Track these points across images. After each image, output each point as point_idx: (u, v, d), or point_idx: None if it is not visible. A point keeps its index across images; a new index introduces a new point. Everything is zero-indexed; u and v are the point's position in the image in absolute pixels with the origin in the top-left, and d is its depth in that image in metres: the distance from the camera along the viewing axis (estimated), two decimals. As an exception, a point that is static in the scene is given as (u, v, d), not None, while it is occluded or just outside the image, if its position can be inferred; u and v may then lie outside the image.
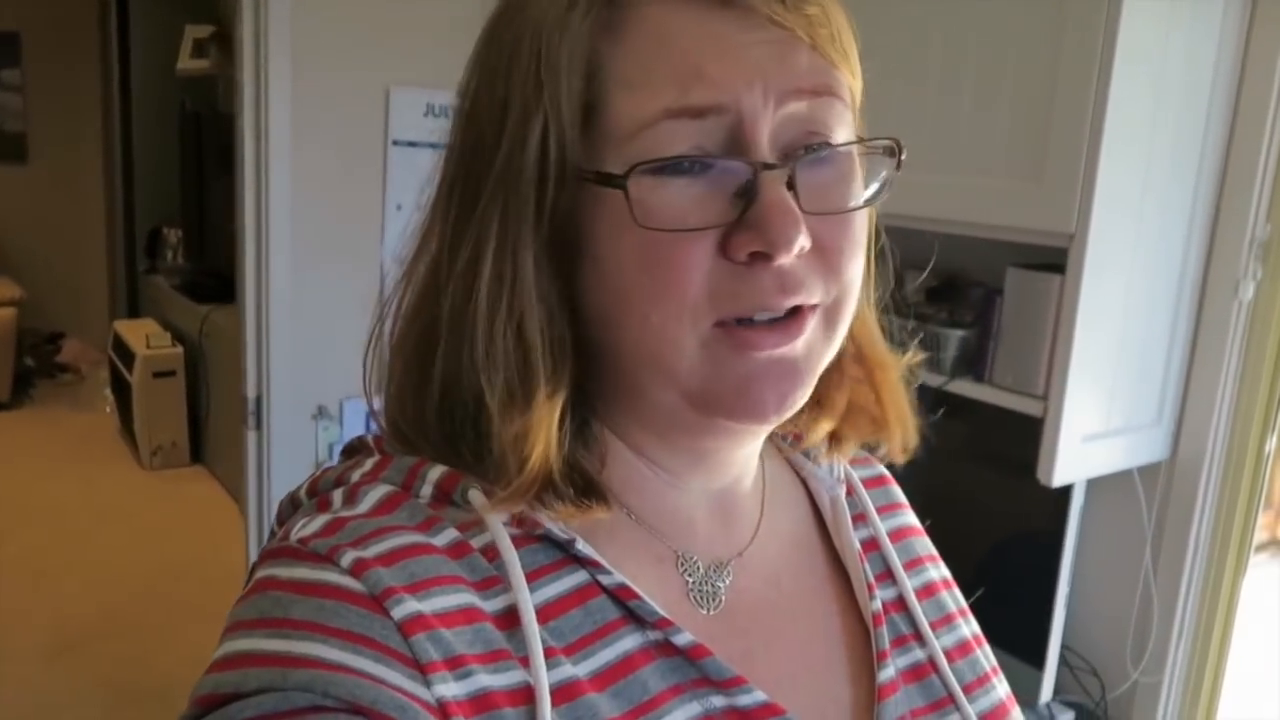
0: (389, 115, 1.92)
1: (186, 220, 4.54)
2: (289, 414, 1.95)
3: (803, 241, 0.45)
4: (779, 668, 0.53)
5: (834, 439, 0.61)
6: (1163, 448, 1.66)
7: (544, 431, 0.47)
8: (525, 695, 0.44)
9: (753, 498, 0.58)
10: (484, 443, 0.48)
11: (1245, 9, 1.49)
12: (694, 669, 0.49)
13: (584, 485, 0.50)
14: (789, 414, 0.48)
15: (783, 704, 0.50)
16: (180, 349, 4.13)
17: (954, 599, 0.64)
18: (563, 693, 0.45)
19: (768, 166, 0.45)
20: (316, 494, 0.51)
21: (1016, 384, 1.51)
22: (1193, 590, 1.68)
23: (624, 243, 0.46)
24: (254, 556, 2.17)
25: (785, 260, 0.45)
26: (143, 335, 4.13)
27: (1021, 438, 1.54)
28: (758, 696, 0.49)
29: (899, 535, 0.65)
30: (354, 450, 0.55)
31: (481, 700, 0.43)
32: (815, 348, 0.49)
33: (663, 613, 0.49)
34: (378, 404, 0.53)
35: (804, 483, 0.63)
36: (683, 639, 0.49)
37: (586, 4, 0.47)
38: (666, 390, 0.49)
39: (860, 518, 0.63)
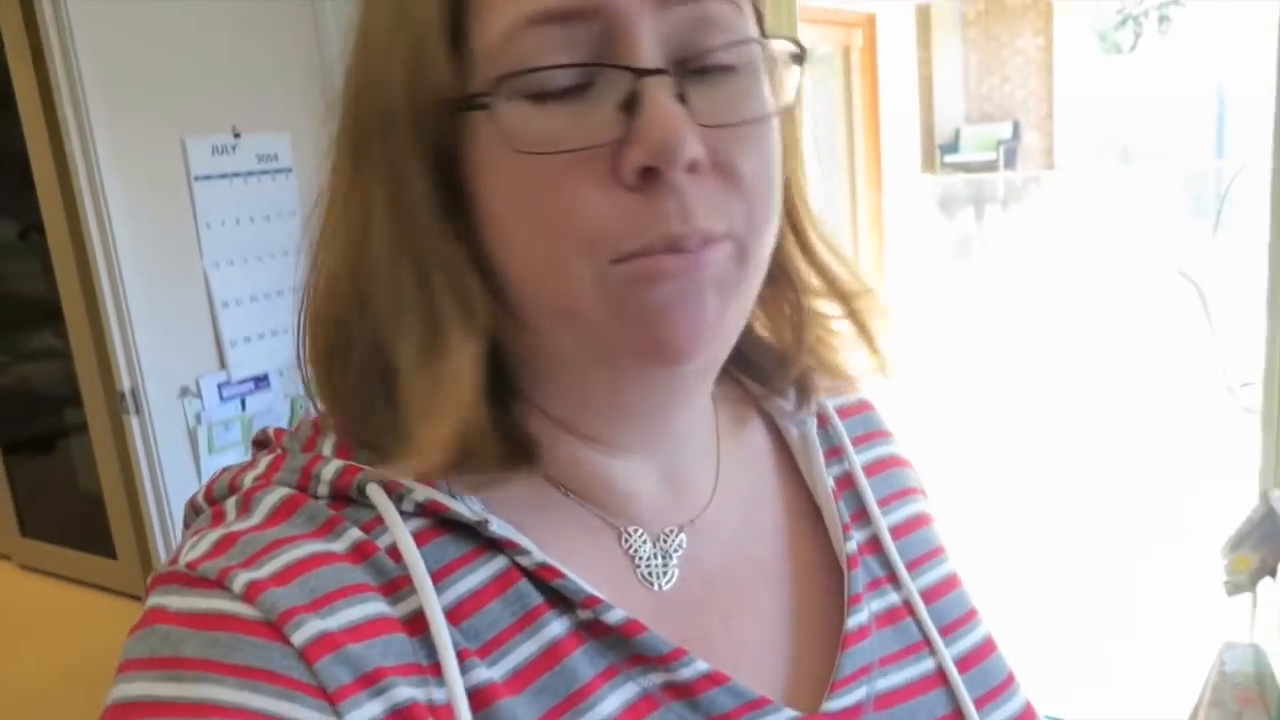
0: (188, 157, 2.34)
1: None
2: (160, 398, 2.33)
3: (693, 150, 0.39)
4: (743, 639, 0.49)
5: (802, 387, 0.55)
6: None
7: (460, 384, 0.42)
8: (444, 711, 0.40)
9: (706, 455, 0.53)
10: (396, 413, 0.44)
11: None
12: (629, 646, 0.44)
13: (510, 445, 0.44)
14: (705, 350, 0.42)
15: (735, 673, 0.46)
16: None
17: (937, 534, 0.59)
18: (477, 700, 0.41)
19: (649, 72, 0.40)
20: (213, 500, 0.46)
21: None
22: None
23: (504, 174, 0.41)
24: (160, 531, 2.34)
25: (676, 173, 0.39)
26: None
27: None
28: (699, 667, 0.45)
29: (880, 466, 0.58)
30: (261, 444, 0.51)
31: (405, 714, 0.39)
32: (728, 280, 0.43)
33: (590, 589, 0.44)
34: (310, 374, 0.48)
35: (768, 417, 0.57)
36: (614, 616, 0.44)
37: None
38: (571, 337, 0.44)
39: (835, 451, 0.57)
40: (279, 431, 0.50)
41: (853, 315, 0.53)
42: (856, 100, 5.37)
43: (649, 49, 0.40)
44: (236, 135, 2.43)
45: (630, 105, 0.40)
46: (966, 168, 9.61)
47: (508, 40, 0.40)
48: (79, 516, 3.34)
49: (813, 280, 0.53)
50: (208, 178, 2.41)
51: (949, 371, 5.36)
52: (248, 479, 0.46)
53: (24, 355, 3.55)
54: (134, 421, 2.36)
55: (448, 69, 0.41)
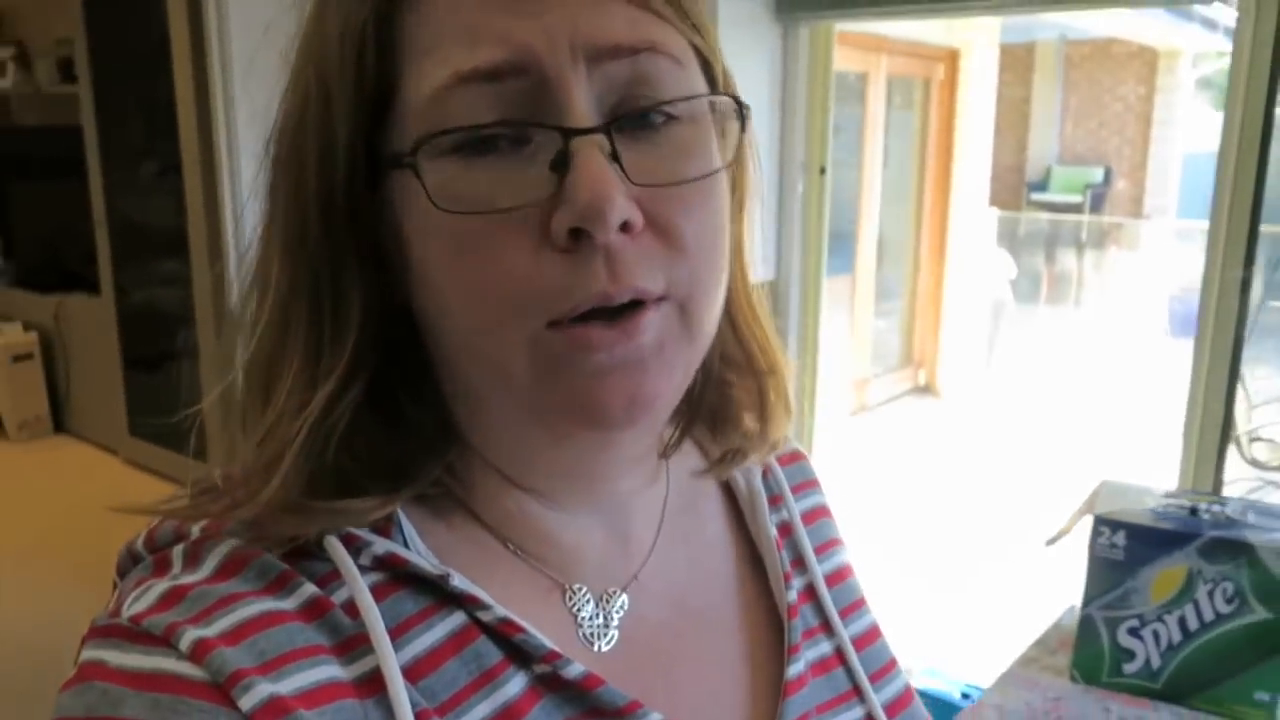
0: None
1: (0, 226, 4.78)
2: None
3: (624, 212, 0.39)
4: (683, 693, 0.49)
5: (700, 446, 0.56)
6: (771, 271, 2.50)
7: (290, 448, 0.41)
8: None
9: (651, 503, 0.53)
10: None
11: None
12: (586, 700, 0.45)
13: (377, 468, 0.43)
14: (644, 419, 0.42)
15: None
16: (34, 335, 4.44)
17: (859, 586, 0.61)
18: None
19: (579, 131, 0.39)
20: (156, 548, 0.44)
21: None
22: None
23: (432, 234, 0.41)
24: None
25: (605, 235, 0.39)
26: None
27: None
28: (654, 719, 0.45)
29: (813, 516, 0.60)
30: (207, 490, 0.47)
31: None
32: (669, 345, 0.42)
33: (551, 645, 0.44)
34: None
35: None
36: (573, 670, 0.44)
37: None
38: (505, 400, 0.44)
39: (775, 500, 0.58)
40: (228, 479, 0.47)
41: (759, 390, 0.53)
42: (932, 131, 5.58)
43: (581, 106, 0.40)
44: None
45: (560, 164, 0.39)
46: (1052, 207, 9.63)
47: (437, 98, 0.40)
48: (179, 422, 3.72)
49: (733, 352, 0.53)
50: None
51: (985, 399, 5.90)
52: (195, 527, 0.44)
53: (151, 281, 3.95)
54: (241, 337, 2.69)
55: (383, 130, 0.41)
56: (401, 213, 0.42)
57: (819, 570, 0.57)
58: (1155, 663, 1.19)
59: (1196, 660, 1.17)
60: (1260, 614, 1.13)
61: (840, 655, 0.55)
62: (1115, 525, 1.19)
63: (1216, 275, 1.79)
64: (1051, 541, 1.29)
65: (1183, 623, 1.17)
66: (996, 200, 7.80)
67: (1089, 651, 1.23)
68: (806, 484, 0.62)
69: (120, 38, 3.79)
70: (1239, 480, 3.80)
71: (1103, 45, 9.39)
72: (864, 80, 5.07)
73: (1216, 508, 1.22)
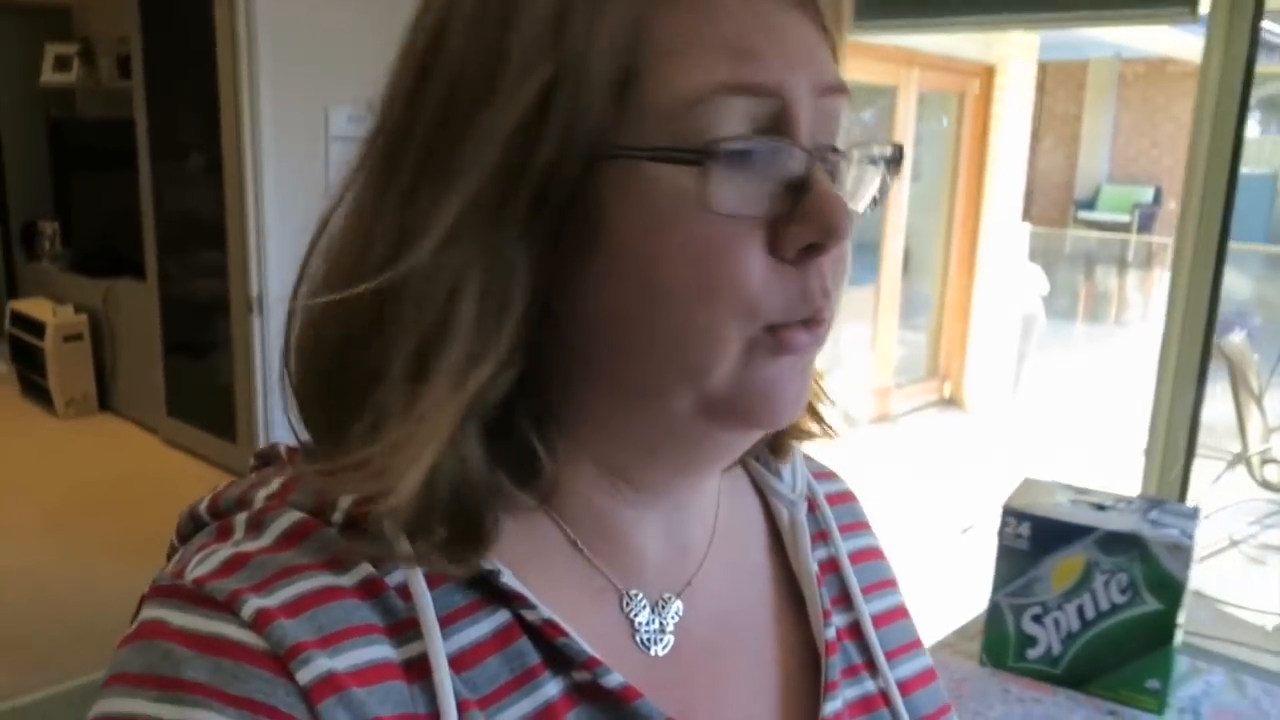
0: (329, 121, 2.92)
1: (61, 213, 5.17)
2: (280, 304, 2.45)
3: (850, 234, 0.43)
4: (723, 715, 0.50)
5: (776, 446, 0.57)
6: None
7: (443, 427, 0.40)
8: None
9: (705, 518, 0.53)
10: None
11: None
12: (623, 712, 0.44)
13: (465, 526, 0.43)
14: (795, 419, 0.46)
15: None
16: (84, 317, 4.72)
17: (914, 628, 0.61)
18: None
19: (820, 157, 0.43)
20: (219, 514, 0.45)
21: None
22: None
23: (670, 232, 0.41)
24: (262, 421, 3.16)
25: (835, 252, 0.43)
26: (45, 310, 4.70)
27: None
28: None
29: (861, 557, 0.60)
30: (265, 460, 0.49)
31: None
32: (816, 355, 0.46)
33: (591, 651, 0.44)
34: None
35: (762, 496, 0.58)
36: (612, 680, 0.44)
37: None
38: (685, 396, 0.44)
39: (821, 536, 0.59)
40: (291, 450, 0.48)
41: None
42: (965, 146, 5.58)
43: (808, 134, 0.43)
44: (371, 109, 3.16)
45: (802, 185, 0.42)
46: (1100, 225, 9.56)
47: (699, 102, 0.40)
48: (212, 404, 3.97)
49: None
50: (342, 139, 3.02)
51: (1011, 412, 5.92)
52: (259, 496, 0.45)
53: (193, 270, 4.13)
54: (256, 322, 2.93)
55: (610, 119, 0.41)
56: (617, 203, 0.42)
57: (865, 609, 0.57)
58: (1056, 649, 1.25)
59: (1093, 648, 1.23)
60: (1151, 605, 1.19)
61: (885, 697, 0.55)
62: (1021, 516, 1.25)
63: (1185, 277, 1.82)
64: (965, 531, 1.35)
65: (1081, 611, 1.22)
66: (1043, 217, 7.78)
67: (996, 636, 1.29)
68: (857, 525, 0.63)
69: (172, 37, 3.99)
70: (1250, 501, 3.81)
71: (1157, 64, 9.27)
72: (894, 93, 5.10)
73: (1122, 504, 1.28)
